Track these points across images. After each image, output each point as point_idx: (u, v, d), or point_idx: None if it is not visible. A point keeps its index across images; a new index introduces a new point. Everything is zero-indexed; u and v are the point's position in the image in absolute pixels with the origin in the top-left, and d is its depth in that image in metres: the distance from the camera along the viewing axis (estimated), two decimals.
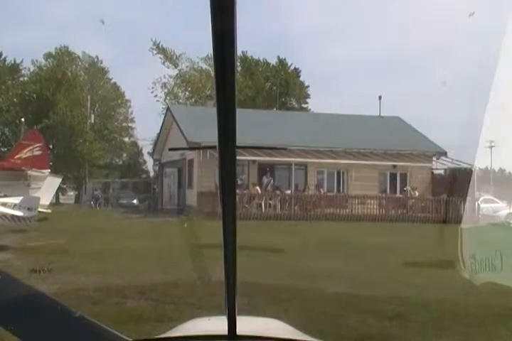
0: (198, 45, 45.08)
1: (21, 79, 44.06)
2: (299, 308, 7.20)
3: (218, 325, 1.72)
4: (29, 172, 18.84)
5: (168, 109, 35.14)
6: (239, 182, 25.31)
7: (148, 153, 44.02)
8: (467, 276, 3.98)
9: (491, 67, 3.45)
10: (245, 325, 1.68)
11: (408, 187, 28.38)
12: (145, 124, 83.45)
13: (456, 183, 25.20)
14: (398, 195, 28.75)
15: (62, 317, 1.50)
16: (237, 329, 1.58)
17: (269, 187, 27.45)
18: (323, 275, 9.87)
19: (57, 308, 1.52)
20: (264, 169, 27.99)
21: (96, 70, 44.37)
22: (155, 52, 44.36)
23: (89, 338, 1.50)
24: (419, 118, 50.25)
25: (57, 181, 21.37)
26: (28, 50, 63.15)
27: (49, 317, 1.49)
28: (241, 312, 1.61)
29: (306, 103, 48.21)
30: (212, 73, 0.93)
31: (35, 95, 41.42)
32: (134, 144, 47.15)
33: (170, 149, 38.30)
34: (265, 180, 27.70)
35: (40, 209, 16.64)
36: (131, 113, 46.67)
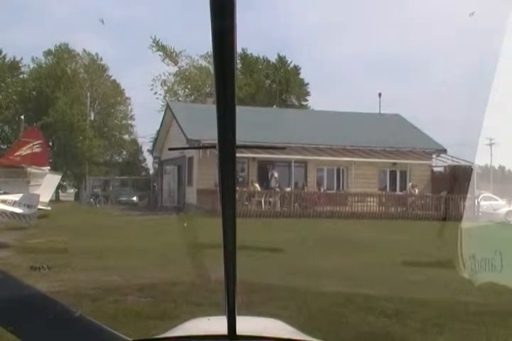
0: (197, 42, 45.10)
1: (21, 76, 44.00)
2: (298, 306, 7.20)
3: (218, 325, 1.72)
4: (29, 169, 18.84)
5: (167, 106, 35.11)
6: (238, 179, 25.32)
7: (148, 150, 44.05)
8: (467, 276, 3.98)
9: (491, 64, 3.45)
10: (245, 324, 1.68)
11: (409, 184, 28.41)
12: (145, 122, 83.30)
13: (456, 181, 25.25)
14: (398, 192, 28.75)
15: (62, 317, 1.50)
16: (237, 329, 1.58)
17: (272, 183, 27.50)
18: (322, 273, 9.87)
19: (57, 308, 1.52)
20: (264, 166, 27.99)
21: (96, 68, 44.28)
22: (155, 49, 44.32)
23: (89, 338, 1.50)
24: (419, 116, 50.24)
25: (56, 178, 21.41)
26: (28, 47, 62.99)
27: (49, 317, 1.49)
28: (240, 311, 1.60)
29: (306, 100, 48.14)
30: (212, 70, 0.92)
31: (34, 92, 41.39)
32: (134, 142, 47.07)
33: (170, 149, 38.28)
34: (270, 175, 27.82)
35: (40, 207, 16.64)
36: (131, 110, 46.64)
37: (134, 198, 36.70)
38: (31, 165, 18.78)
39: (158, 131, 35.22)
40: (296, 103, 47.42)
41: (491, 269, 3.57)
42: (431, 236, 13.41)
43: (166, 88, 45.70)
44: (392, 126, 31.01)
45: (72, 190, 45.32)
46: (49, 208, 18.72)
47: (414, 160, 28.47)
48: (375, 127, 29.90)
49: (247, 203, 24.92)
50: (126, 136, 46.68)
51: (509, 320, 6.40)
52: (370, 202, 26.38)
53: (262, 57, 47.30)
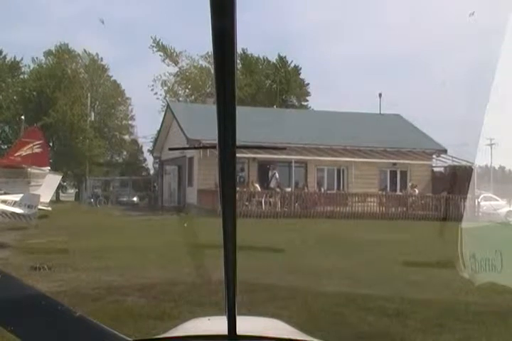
0: (198, 42, 45.15)
1: (21, 76, 44.02)
2: (298, 306, 7.20)
3: (218, 325, 1.71)
4: (29, 169, 18.84)
5: (168, 106, 35.13)
6: (239, 179, 25.33)
7: (149, 150, 44.08)
8: (467, 276, 3.98)
9: (492, 65, 3.46)
10: (245, 324, 1.68)
11: (409, 184, 28.41)
12: (145, 122, 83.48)
13: (456, 181, 25.22)
14: (398, 192, 28.76)
15: (62, 317, 1.49)
16: (237, 329, 1.58)
17: (273, 183, 27.53)
18: (322, 273, 9.87)
19: (57, 308, 1.52)
20: (265, 166, 28.00)
21: (96, 68, 44.30)
22: (155, 49, 44.40)
23: (89, 338, 1.49)
24: (419, 116, 50.05)
25: (57, 178, 21.39)
26: (28, 47, 63.18)
27: (49, 317, 1.49)
28: (240, 311, 1.60)
29: (307, 101, 48.16)
30: (213, 71, 0.92)
31: (35, 93, 41.37)
32: (134, 142, 47.11)
33: (170, 149, 38.31)
34: (270, 174, 27.89)
35: (40, 207, 16.64)
36: (131, 110, 46.67)
37: (135, 198, 36.71)
38: (32, 165, 18.78)
39: (159, 131, 35.24)
40: (297, 103, 47.43)
41: (491, 269, 3.57)
42: (431, 237, 13.40)
43: (166, 88, 45.82)
44: (393, 126, 31.01)
45: (72, 191, 45.33)
46: (49, 208, 18.72)
47: (414, 161, 28.47)
48: (376, 127, 29.91)
49: (247, 203, 24.92)
50: (126, 136, 46.77)
51: (509, 320, 6.40)
52: (371, 202, 26.37)
53: (262, 58, 47.37)
